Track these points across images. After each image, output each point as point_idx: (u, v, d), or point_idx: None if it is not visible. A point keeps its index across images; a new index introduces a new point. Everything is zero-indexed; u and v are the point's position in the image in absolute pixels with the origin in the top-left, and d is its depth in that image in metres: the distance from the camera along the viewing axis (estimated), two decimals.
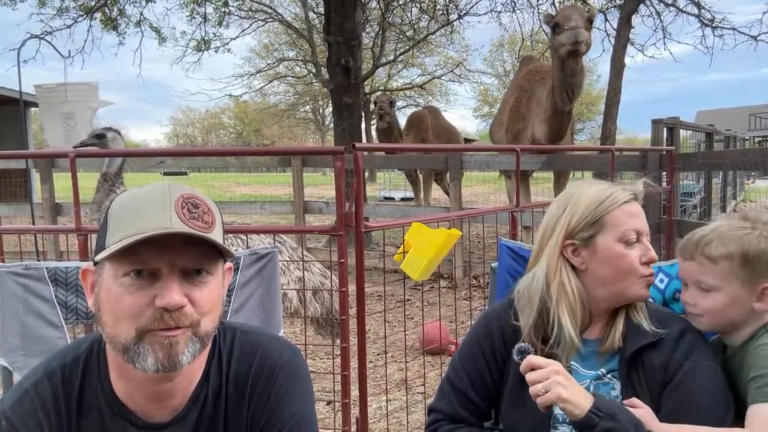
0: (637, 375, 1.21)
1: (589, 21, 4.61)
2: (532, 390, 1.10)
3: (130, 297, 0.90)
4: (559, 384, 1.08)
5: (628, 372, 1.21)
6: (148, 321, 0.90)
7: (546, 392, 1.08)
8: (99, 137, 3.30)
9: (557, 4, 9.46)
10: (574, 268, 1.27)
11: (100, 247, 0.94)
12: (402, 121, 9.44)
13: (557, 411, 1.23)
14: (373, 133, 8.74)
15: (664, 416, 1.17)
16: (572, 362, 1.26)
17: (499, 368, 1.32)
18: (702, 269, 1.22)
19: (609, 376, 1.24)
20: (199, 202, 0.96)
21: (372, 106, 8.28)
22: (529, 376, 1.11)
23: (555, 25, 4.65)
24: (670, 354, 1.19)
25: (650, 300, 1.31)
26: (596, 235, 1.24)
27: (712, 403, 1.15)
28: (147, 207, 0.92)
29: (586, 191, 1.27)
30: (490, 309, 1.44)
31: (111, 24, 9.22)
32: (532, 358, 1.14)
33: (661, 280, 1.56)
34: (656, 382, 1.19)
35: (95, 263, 0.96)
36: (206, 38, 10.52)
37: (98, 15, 9.10)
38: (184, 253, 0.92)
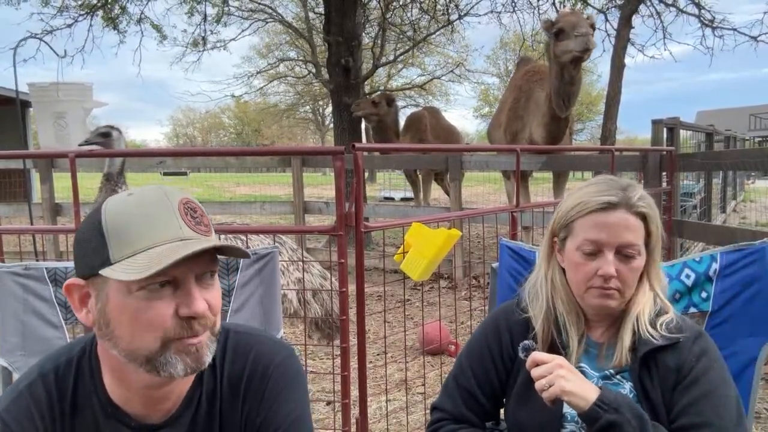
0: (649, 375, 1.20)
1: (592, 27, 4.57)
2: (537, 385, 1.12)
3: (153, 310, 0.88)
4: (562, 377, 1.09)
5: (639, 371, 1.21)
6: (174, 330, 0.90)
7: (550, 386, 1.09)
8: (104, 135, 3.27)
9: (557, 5, 9.46)
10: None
11: (102, 261, 0.88)
12: (402, 121, 9.41)
13: (565, 409, 1.23)
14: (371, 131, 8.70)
15: (677, 413, 1.17)
16: (581, 363, 1.27)
17: (506, 367, 1.32)
18: None
19: (618, 377, 1.24)
20: (195, 206, 0.95)
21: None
22: (534, 372, 1.13)
23: (559, 31, 4.56)
24: (684, 356, 1.19)
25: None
26: (567, 239, 1.26)
27: (726, 403, 1.16)
28: (151, 216, 0.90)
29: (579, 191, 1.27)
30: (499, 307, 1.44)
31: (112, 22, 9.21)
32: (536, 354, 1.15)
33: None
34: (669, 382, 1.19)
35: (87, 276, 0.92)
36: (204, 36, 10.51)
37: (99, 13, 9.08)
38: (199, 259, 0.91)
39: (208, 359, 0.93)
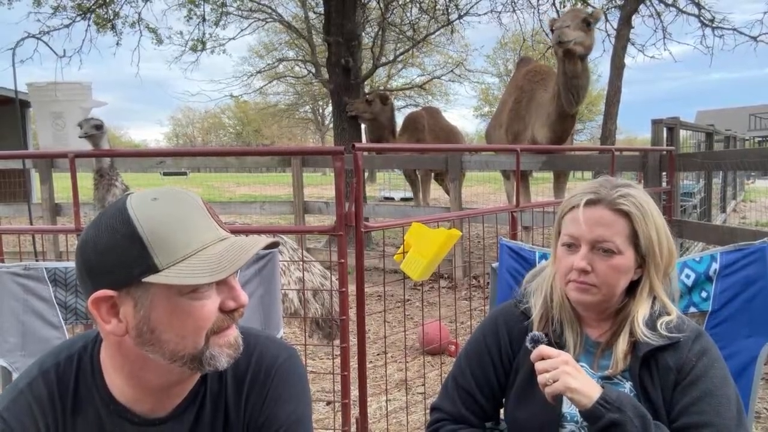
0: (649, 374, 1.20)
1: (586, 22, 4.63)
2: (540, 379, 1.11)
3: (204, 308, 0.91)
4: (567, 374, 1.09)
5: (640, 371, 1.21)
6: (216, 324, 0.93)
7: (554, 382, 1.09)
8: (98, 128, 3.24)
9: (557, 4, 9.47)
10: None
11: (145, 268, 0.86)
12: (400, 121, 9.39)
13: (565, 409, 1.23)
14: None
15: (678, 413, 1.17)
16: (581, 362, 1.26)
17: (504, 368, 1.32)
18: None
19: (618, 376, 1.24)
20: (210, 205, 0.97)
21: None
22: (539, 365, 1.13)
23: (552, 29, 4.82)
24: (685, 355, 1.19)
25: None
26: (559, 236, 1.29)
27: (726, 402, 1.15)
28: (189, 219, 0.91)
29: (574, 190, 1.30)
30: (498, 307, 1.44)
31: (106, 25, 9.21)
32: (543, 348, 1.15)
33: None
34: (669, 382, 1.19)
35: (120, 286, 0.89)
36: (203, 39, 10.49)
37: (93, 16, 9.08)
38: None
39: (242, 346, 0.97)
